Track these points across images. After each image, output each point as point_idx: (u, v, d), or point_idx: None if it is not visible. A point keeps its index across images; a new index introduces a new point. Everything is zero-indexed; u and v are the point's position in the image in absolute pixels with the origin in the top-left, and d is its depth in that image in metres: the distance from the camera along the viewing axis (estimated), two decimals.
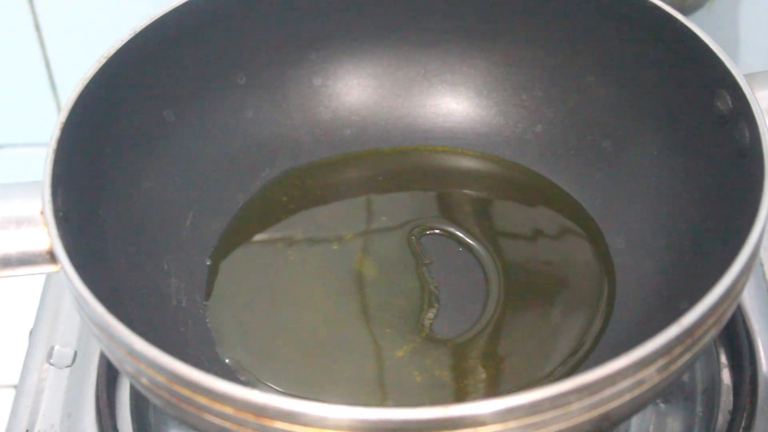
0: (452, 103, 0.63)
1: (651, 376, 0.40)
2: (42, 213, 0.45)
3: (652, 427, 0.54)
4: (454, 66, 0.63)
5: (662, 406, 0.55)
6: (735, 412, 0.53)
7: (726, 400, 0.54)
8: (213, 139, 0.59)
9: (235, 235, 0.58)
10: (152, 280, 0.53)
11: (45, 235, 0.45)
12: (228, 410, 0.39)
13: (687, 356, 0.41)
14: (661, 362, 0.40)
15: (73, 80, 0.50)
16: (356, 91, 0.63)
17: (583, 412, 0.39)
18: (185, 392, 0.40)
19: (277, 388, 0.51)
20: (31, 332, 0.60)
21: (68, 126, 0.48)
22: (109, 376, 0.56)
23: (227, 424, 0.39)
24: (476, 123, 0.63)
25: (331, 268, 0.57)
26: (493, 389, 0.51)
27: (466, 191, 0.61)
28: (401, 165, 0.62)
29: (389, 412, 0.38)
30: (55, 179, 0.46)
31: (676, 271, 0.52)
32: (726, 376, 0.55)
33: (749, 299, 0.58)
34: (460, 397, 0.51)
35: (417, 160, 0.63)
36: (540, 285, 0.56)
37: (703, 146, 0.52)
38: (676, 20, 0.52)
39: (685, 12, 0.61)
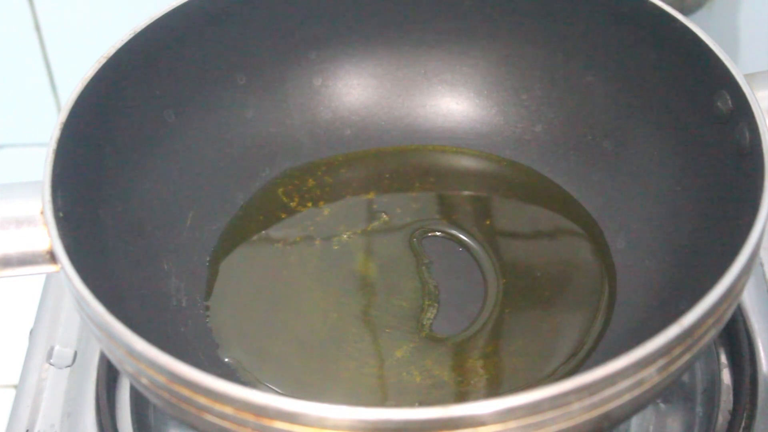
0: (452, 103, 0.63)
1: (651, 376, 0.40)
2: (42, 213, 0.45)
3: (652, 427, 0.54)
4: (454, 66, 0.63)
5: (662, 406, 0.55)
6: (735, 412, 0.53)
7: (726, 400, 0.54)
8: (213, 139, 0.59)
9: (235, 235, 0.58)
10: (152, 280, 0.53)
11: (45, 235, 0.45)
12: (228, 410, 0.39)
13: (687, 356, 0.41)
14: (661, 362, 0.40)
15: (73, 80, 0.50)
16: (356, 91, 0.63)
17: (583, 412, 0.39)
18: (185, 392, 0.40)
19: (277, 389, 0.51)
20: (31, 332, 0.60)
21: (68, 126, 0.48)
22: (109, 376, 0.56)
23: (227, 424, 0.39)
24: (476, 123, 0.63)
25: (331, 268, 0.57)
26: (493, 389, 0.51)
27: (466, 191, 0.61)
28: (401, 165, 0.62)
29: (389, 412, 0.38)
30: (55, 179, 0.46)
31: (676, 271, 0.52)
32: (726, 376, 0.55)
33: (749, 299, 0.58)
34: (460, 397, 0.51)
35: (417, 160, 0.63)
36: (540, 285, 0.56)
37: (703, 146, 0.52)
38: (676, 20, 0.52)
39: (685, 12, 0.61)
